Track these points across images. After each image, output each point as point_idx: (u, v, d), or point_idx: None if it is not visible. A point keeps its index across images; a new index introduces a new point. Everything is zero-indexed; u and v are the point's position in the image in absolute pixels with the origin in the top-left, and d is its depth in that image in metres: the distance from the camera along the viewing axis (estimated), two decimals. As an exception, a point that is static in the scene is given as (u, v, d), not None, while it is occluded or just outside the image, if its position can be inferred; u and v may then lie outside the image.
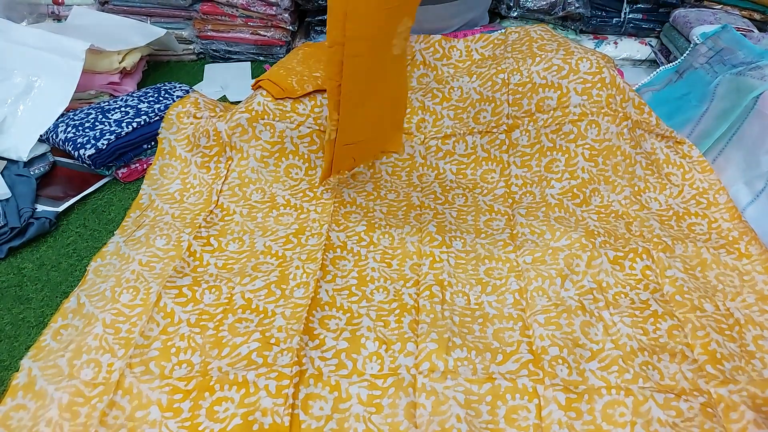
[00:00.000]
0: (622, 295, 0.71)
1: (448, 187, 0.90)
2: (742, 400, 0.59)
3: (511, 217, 0.84)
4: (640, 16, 1.43)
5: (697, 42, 1.11)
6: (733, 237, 0.81)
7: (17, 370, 0.62)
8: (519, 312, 0.69)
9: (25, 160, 0.96)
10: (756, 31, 1.26)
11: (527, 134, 0.91)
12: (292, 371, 0.59)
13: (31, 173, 0.94)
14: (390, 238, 0.80)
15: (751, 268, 0.76)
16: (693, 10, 1.34)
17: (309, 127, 0.89)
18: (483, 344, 0.65)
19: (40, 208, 0.88)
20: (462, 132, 0.94)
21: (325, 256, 0.75)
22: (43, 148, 1.00)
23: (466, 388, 0.60)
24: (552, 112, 0.90)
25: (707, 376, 0.61)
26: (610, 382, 0.60)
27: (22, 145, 0.98)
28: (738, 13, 1.36)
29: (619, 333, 0.66)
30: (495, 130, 0.93)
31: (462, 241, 0.80)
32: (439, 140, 0.94)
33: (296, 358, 0.61)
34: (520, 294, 0.72)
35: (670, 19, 1.37)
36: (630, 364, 0.62)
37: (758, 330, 0.68)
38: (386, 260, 0.77)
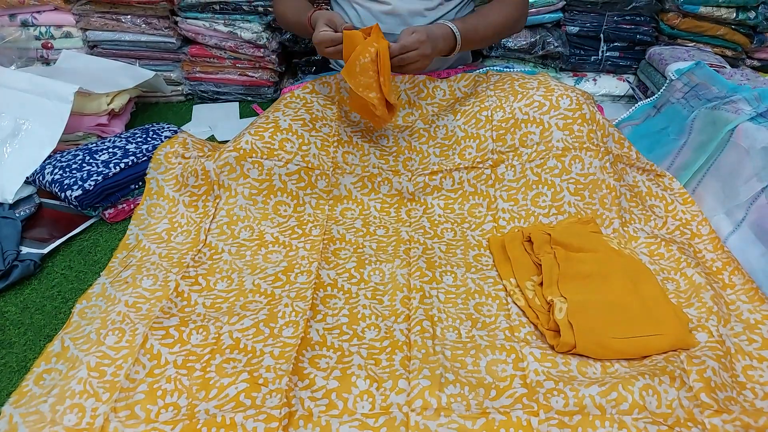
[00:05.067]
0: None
1: (436, 222, 0.91)
2: (735, 431, 0.58)
3: (500, 251, 0.84)
4: (617, 53, 1.48)
5: (673, 78, 1.16)
6: (716, 267, 0.82)
7: (-3, 419, 0.60)
8: (512, 344, 0.69)
9: (10, 202, 0.96)
10: (728, 66, 1.31)
11: (512, 169, 0.92)
12: (281, 413, 0.58)
13: (17, 215, 0.93)
14: (380, 274, 0.80)
15: (735, 298, 0.77)
16: (667, 47, 1.40)
17: (297, 165, 0.90)
18: (476, 379, 0.64)
19: (24, 250, 0.87)
20: (448, 168, 0.95)
21: (315, 295, 0.75)
22: (29, 189, 0.99)
23: (460, 425, 0.59)
24: (536, 146, 0.91)
25: (702, 405, 0.61)
26: (605, 413, 0.60)
27: (8, 187, 0.97)
28: (710, 50, 1.42)
29: (617, 364, 0.66)
30: (480, 165, 0.94)
31: (453, 275, 0.80)
32: (426, 176, 0.96)
33: (285, 400, 0.60)
34: (510, 332, 0.72)
35: (646, 57, 1.42)
36: (630, 390, 0.61)
37: (747, 360, 0.68)
38: (377, 296, 0.76)
